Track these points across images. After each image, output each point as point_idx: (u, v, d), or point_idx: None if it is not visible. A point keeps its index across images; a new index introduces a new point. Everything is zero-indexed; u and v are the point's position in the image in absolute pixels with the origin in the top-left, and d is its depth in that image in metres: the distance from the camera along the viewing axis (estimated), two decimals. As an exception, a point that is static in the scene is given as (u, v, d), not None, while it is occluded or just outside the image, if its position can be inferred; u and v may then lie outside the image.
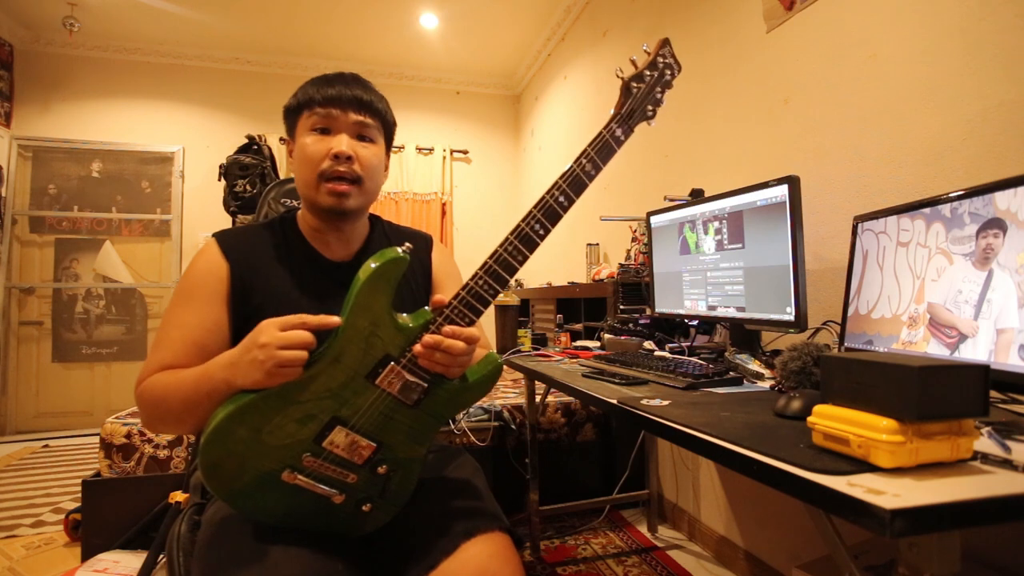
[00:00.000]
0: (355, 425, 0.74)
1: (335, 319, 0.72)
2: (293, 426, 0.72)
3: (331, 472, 0.75)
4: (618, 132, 0.83)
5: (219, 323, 0.86)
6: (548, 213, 0.80)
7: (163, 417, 0.80)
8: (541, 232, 0.80)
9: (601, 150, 0.83)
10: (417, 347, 0.73)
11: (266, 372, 0.69)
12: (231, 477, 0.72)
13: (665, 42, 0.88)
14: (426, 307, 0.78)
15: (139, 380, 0.82)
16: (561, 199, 0.80)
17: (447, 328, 0.74)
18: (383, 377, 0.74)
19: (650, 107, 0.86)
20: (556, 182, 0.80)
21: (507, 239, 0.79)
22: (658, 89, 0.87)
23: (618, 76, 0.86)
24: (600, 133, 0.83)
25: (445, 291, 1.01)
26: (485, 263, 0.78)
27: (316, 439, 0.73)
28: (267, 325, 0.71)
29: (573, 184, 0.81)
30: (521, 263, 0.79)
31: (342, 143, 0.88)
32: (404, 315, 0.77)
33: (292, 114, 0.93)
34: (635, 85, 0.85)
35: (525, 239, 0.79)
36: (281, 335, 0.69)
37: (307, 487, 0.74)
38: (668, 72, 0.87)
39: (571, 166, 0.81)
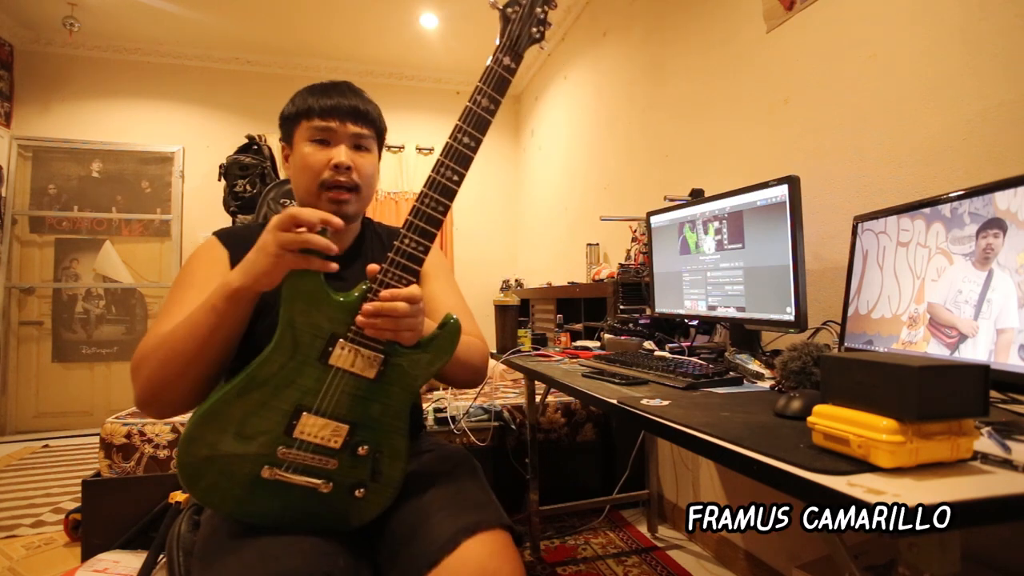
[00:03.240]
0: (321, 409, 0.74)
1: (330, 216, 0.73)
2: (259, 421, 0.73)
3: (309, 460, 0.75)
4: (507, 61, 0.80)
5: None
6: (457, 158, 0.78)
7: (165, 361, 0.75)
8: (455, 179, 0.78)
9: (495, 83, 0.80)
10: (359, 318, 0.73)
11: (267, 257, 0.71)
12: (214, 484, 0.72)
13: None
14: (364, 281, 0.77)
15: (134, 355, 0.80)
16: (466, 140, 0.79)
17: (385, 292, 0.74)
18: (335, 356, 0.74)
19: (535, 28, 0.81)
20: (457, 124, 0.79)
21: (423, 193, 0.77)
22: (539, 9, 0.81)
23: (492, 6, 0.83)
24: (489, 67, 0.80)
25: (434, 282, 1.04)
26: (407, 222, 0.77)
27: (286, 431, 0.73)
28: (272, 220, 0.73)
29: (475, 124, 0.79)
30: (443, 214, 0.78)
31: (342, 154, 0.93)
32: (342, 292, 0.76)
33: (289, 122, 0.97)
34: (511, 10, 0.81)
35: (441, 188, 0.78)
36: (282, 218, 0.71)
37: (290, 481, 0.74)
38: None
39: (468, 105, 0.79)
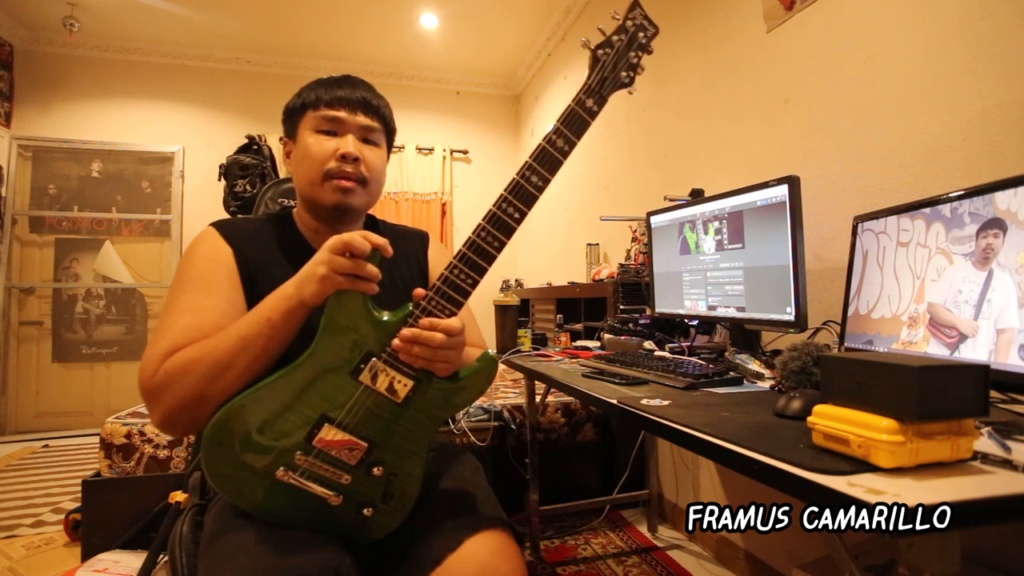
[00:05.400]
0: (344, 423, 0.74)
1: (384, 241, 0.73)
2: (283, 423, 0.73)
3: (324, 472, 0.75)
4: (589, 103, 0.77)
5: (241, 308, 0.81)
6: (521, 195, 0.75)
7: (208, 376, 0.72)
8: (516, 216, 0.75)
9: (573, 124, 0.76)
10: (395, 342, 0.73)
11: (319, 277, 0.72)
12: (232, 473, 0.73)
13: (635, 3, 0.80)
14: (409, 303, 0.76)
15: (149, 370, 0.73)
16: (534, 179, 0.76)
17: (424, 320, 0.73)
18: (366, 374, 0.74)
19: (625, 73, 0.78)
20: (527, 162, 0.76)
21: (480, 225, 0.75)
22: (632, 53, 0.78)
23: (584, 46, 0.79)
24: (569, 106, 0.76)
25: None
26: (459, 251, 0.75)
27: (307, 438, 0.74)
28: (327, 242, 0.74)
29: (546, 163, 0.76)
30: (498, 249, 0.75)
31: (349, 144, 0.89)
32: (386, 311, 0.76)
33: (295, 114, 0.93)
34: (602, 52, 0.78)
35: (499, 224, 0.75)
36: (336, 244, 0.72)
37: (302, 487, 0.74)
38: (642, 34, 0.79)
39: (541, 144, 0.76)
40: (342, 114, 0.90)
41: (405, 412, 0.76)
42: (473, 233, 0.75)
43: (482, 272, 0.75)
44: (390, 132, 0.99)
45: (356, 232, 0.73)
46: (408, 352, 0.73)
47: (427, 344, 0.72)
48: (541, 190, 0.76)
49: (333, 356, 0.74)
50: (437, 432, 0.82)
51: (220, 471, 0.73)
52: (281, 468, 0.73)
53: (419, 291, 0.75)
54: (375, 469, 0.76)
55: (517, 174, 0.76)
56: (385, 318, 0.75)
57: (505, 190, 0.75)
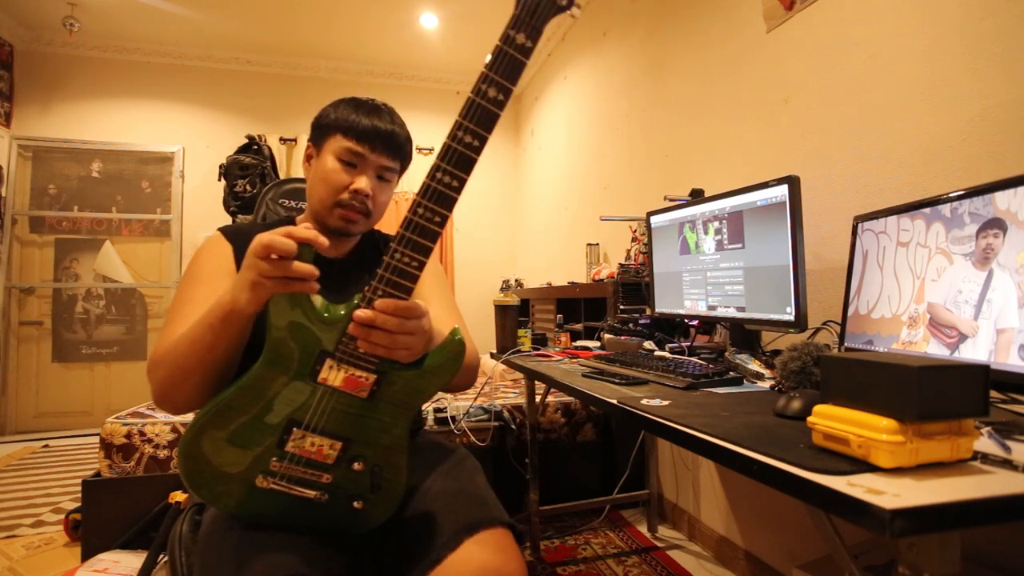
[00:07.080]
0: (312, 426, 0.72)
1: (312, 235, 0.67)
2: (251, 433, 0.72)
3: (303, 474, 0.74)
4: (520, 39, 0.64)
5: None
6: (456, 160, 0.66)
7: (172, 368, 0.76)
8: (454, 184, 0.67)
9: (503, 67, 0.65)
10: (352, 327, 0.68)
11: (250, 284, 0.67)
12: (214, 488, 0.73)
13: None
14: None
15: (150, 358, 0.80)
16: (468, 139, 0.66)
17: (380, 301, 0.67)
18: (323, 374, 0.71)
19: None
20: (457, 121, 0.65)
21: (416, 202, 0.67)
22: None
23: None
24: (497, 47, 0.64)
25: (427, 292, 1.03)
26: (398, 234, 0.68)
27: (278, 444, 0.72)
28: (250, 246, 0.68)
29: (479, 119, 0.66)
30: (440, 224, 0.68)
31: (364, 183, 0.93)
32: (330, 308, 0.71)
33: (325, 130, 0.96)
34: None
35: (437, 196, 0.67)
36: (256, 247, 0.66)
37: (285, 491, 0.73)
38: None
39: (470, 97, 0.65)
40: (365, 151, 0.93)
41: (373, 405, 0.73)
42: (409, 211, 0.68)
43: (426, 252, 0.69)
44: (405, 166, 1.02)
45: (280, 229, 0.67)
46: (367, 339, 0.68)
47: (385, 328, 0.67)
48: (478, 151, 0.67)
49: (286, 361, 0.70)
50: (412, 421, 0.81)
51: (198, 483, 0.73)
52: (259, 475, 0.73)
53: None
54: (355, 464, 0.75)
55: (448, 137, 0.66)
56: (327, 315, 0.70)
57: (437, 158, 0.67)
